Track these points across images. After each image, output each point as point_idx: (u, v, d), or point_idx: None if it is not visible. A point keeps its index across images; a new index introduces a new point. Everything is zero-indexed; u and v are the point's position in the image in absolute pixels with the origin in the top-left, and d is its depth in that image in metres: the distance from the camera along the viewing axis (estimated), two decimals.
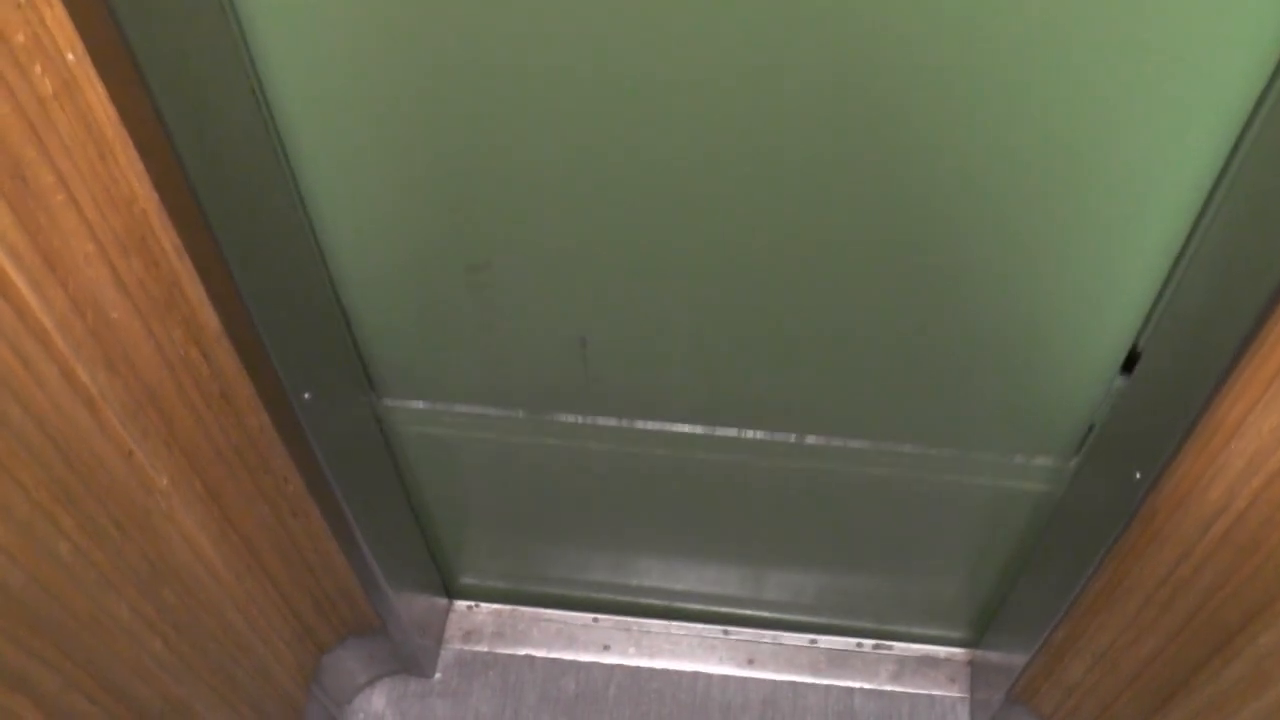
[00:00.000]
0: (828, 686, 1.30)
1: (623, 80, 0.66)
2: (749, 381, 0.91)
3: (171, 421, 0.74)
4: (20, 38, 0.53)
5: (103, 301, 0.64)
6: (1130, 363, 0.82)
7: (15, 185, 0.55)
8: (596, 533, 1.19)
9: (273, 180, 0.73)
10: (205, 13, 0.62)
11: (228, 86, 0.66)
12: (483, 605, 1.35)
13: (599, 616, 1.34)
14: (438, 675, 1.31)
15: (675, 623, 1.33)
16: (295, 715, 1.12)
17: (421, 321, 0.89)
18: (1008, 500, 1.01)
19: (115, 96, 0.60)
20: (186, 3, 0.60)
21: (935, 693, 1.29)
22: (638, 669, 1.31)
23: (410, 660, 1.26)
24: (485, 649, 1.33)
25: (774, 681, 1.30)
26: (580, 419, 0.98)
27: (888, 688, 1.29)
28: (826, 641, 1.32)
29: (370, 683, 1.29)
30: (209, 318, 0.75)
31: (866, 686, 1.30)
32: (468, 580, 1.33)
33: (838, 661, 1.31)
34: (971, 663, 1.30)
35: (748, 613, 1.31)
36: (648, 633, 1.33)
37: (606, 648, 1.32)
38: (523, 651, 1.32)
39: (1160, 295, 0.76)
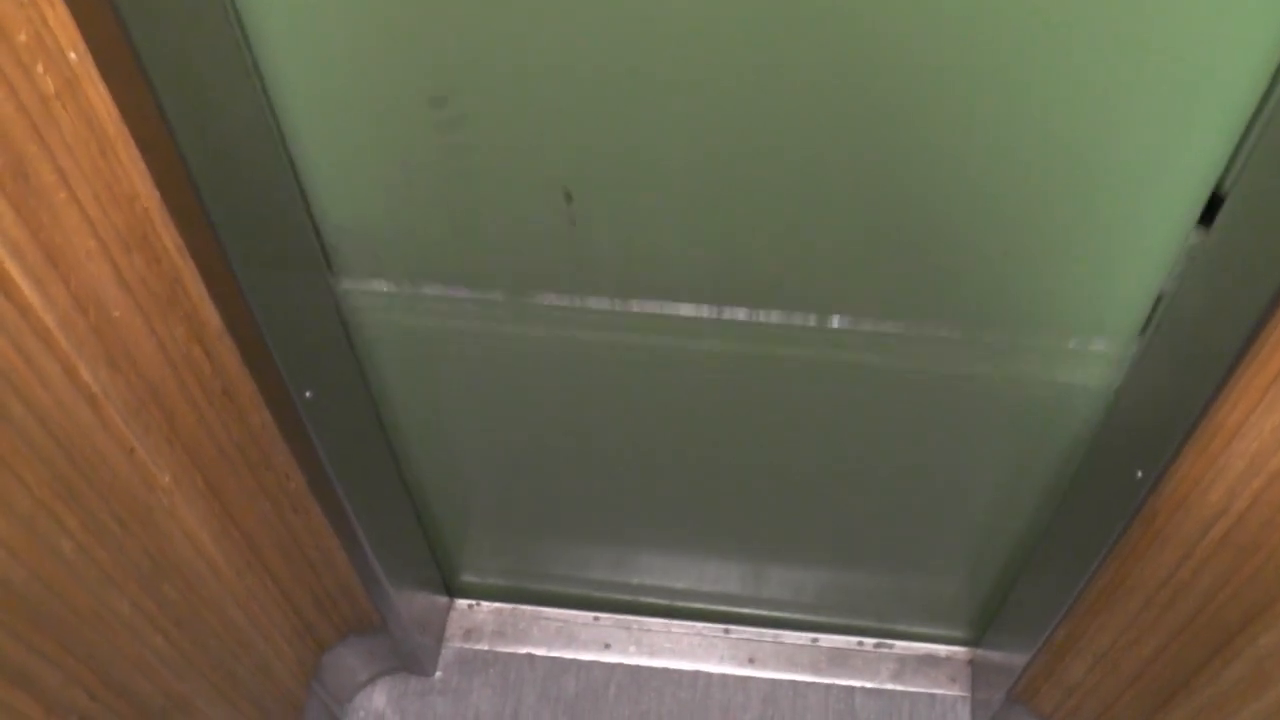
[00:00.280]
0: (828, 685, 1.30)
1: None
2: (764, 248, 0.77)
3: (173, 418, 0.75)
4: (22, 37, 0.53)
5: (105, 299, 0.64)
6: (1210, 211, 0.68)
7: (17, 183, 0.55)
8: (592, 468, 1.08)
9: (275, 177, 0.73)
10: (207, 10, 0.62)
11: (230, 83, 0.66)
12: (483, 604, 1.35)
13: (600, 615, 1.34)
14: (438, 673, 1.31)
15: (676, 621, 1.33)
16: (295, 712, 1.12)
17: (386, 179, 0.76)
18: (1057, 402, 0.86)
19: (117, 94, 0.60)
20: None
21: (936, 692, 1.29)
22: (638, 668, 1.31)
23: (411, 658, 1.26)
24: (486, 647, 1.33)
25: (774, 680, 1.30)
26: (568, 300, 0.84)
27: (888, 686, 1.29)
28: (827, 640, 1.32)
29: (371, 680, 1.29)
30: (211, 315, 0.75)
31: (867, 685, 1.30)
32: (468, 578, 1.33)
33: (838, 660, 1.31)
34: (972, 662, 1.30)
35: (748, 611, 1.31)
36: (648, 631, 1.33)
37: (607, 646, 1.32)
38: (523, 650, 1.32)
39: (1252, 122, 0.63)
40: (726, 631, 1.33)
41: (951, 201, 0.71)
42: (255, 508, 0.90)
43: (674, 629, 1.33)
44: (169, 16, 0.58)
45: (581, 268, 0.80)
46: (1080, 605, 0.96)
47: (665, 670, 1.31)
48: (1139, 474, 0.79)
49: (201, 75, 0.63)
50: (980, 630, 1.27)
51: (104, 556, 0.70)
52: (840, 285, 0.79)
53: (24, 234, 0.56)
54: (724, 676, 1.31)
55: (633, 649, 1.32)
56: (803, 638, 1.32)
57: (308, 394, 0.82)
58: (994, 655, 1.21)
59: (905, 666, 1.31)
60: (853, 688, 1.29)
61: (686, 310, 0.84)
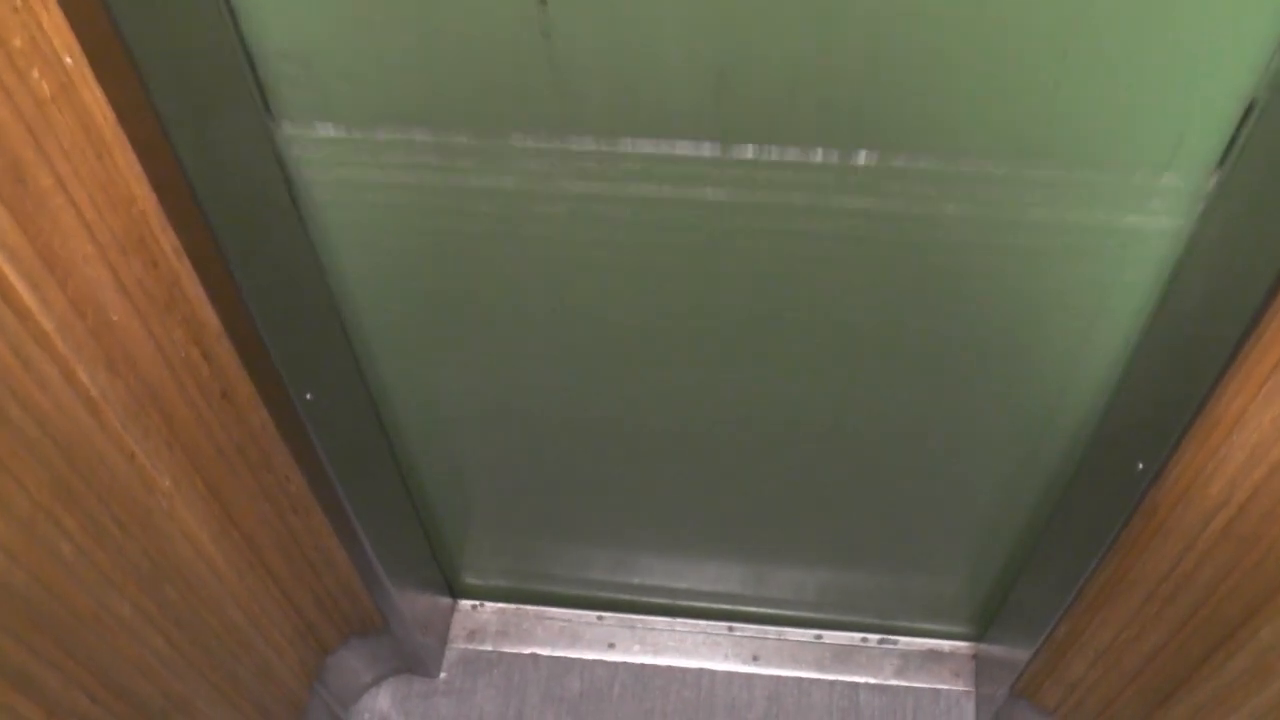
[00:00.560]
0: (832, 682, 1.30)
1: None
2: (776, 65, 0.63)
3: (173, 421, 0.75)
4: (18, 41, 0.53)
5: (103, 302, 0.64)
6: None
7: (14, 188, 0.55)
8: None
9: (270, 179, 0.73)
10: (203, 13, 0.62)
11: (225, 86, 0.66)
12: (487, 604, 1.36)
13: (603, 614, 1.34)
14: (442, 674, 1.31)
15: (679, 620, 1.33)
16: (298, 714, 1.12)
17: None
18: (1121, 250, 0.73)
19: (113, 98, 0.60)
20: (184, 3, 0.61)
21: (940, 687, 1.29)
22: (642, 666, 1.31)
23: (415, 659, 1.26)
24: (490, 648, 1.33)
25: (779, 678, 1.30)
26: (547, 144, 0.71)
27: (892, 682, 1.29)
28: (831, 637, 1.32)
29: (375, 682, 1.29)
30: (209, 317, 0.75)
31: (871, 681, 1.30)
32: (471, 579, 1.33)
33: (842, 657, 1.31)
34: (976, 657, 1.30)
35: (752, 609, 1.31)
36: (652, 630, 1.33)
37: (611, 646, 1.32)
38: (527, 650, 1.32)
39: None
40: (730, 629, 1.33)
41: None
42: (255, 509, 0.90)
43: (678, 627, 1.33)
44: (163, 19, 0.59)
45: (561, 96, 0.67)
46: (1082, 600, 0.96)
47: (669, 669, 1.31)
48: (1140, 466, 0.79)
49: (197, 77, 0.63)
50: (983, 625, 1.27)
51: (104, 559, 0.70)
52: (866, 108, 0.66)
53: (21, 238, 0.56)
54: (728, 674, 1.31)
55: (637, 648, 1.32)
56: (806, 635, 1.32)
57: (308, 395, 0.83)
58: (997, 650, 1.21)
59: (909, 662, 1.30)
60: (857, 684, 1.29)
61: (685, 149, 0.71)
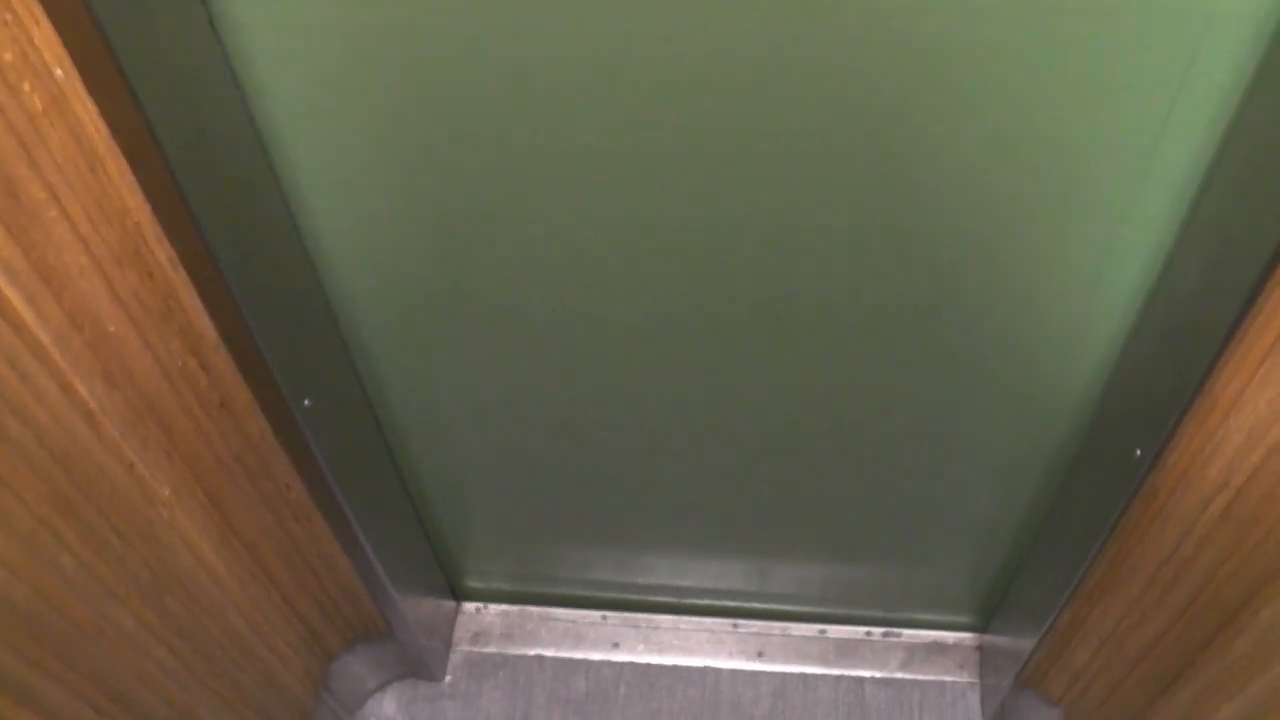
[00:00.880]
0: (838, 676, 1.30)
1: None
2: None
3: (171, 431, 0.75)
4: (8, 55, 0.53)
5: (99, 314, 0.64)
6: None
7: (7, 202, 0.55)
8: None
9: (263, 187, 0.74)
10: (191, 24, 0.62)
11: (216, 96, 0.66)
12: (490, 606, 1.36)
13: (607, 614, 1.34)
14: (447, 678, 1.31)
15: (683, 618, 1.33)
16: None
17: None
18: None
19: (105, 111, 0.60)
20: (172, 16, 0.61)
21: (945, 679, 1.29)
22: (648, 665, 1.31)
23: (419, 664, 1.26)
24: (494, 650, 1.33)
25: (784, 674, 1.30)
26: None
27: (898, 675, 1.30)
28: (835, 631, 1.32)
29: (380, 687, 1.29)
30: (206, 327, 0.75)
31: (876, 675, 1.30)
32: (474, 581, 1.33)
33: (847, 651, 1.31)
34: (980, 648, 1.30)
35: (756, 605, 1.31)
36: (656, 629, 1.33)
37: (616, 645, 1.32)
38: (532, 651, 1.33)
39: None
40: (735, 626, 1.33)
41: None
42: (256, 517, 0.90)
43: (682, 625, 1.33)
44: (151, 30, 0.59)
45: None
46: (1084, 587, 0.96)
47: (675, 667, 1.31)
48: (1138, 453, 0.80)
49: (186, 87, 0.63)
50: (987, 616, 1.27)
51: (105, 571, 0.70)
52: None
53: (16, 252, 0.56)
54: (734, 671, 1.31)
55: (641, 647, 1.32)
56: (810, 630, 1.32)
57: (306, 402, 0.83)
58: (1001, 641, 1.22)
59: (914, 655, 1.31)
60: (862, 678, 1.30)
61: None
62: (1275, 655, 0.76)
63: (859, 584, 1.25)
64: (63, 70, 0.57)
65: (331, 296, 0.86)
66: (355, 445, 0.96)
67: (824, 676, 1.30)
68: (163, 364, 0.72)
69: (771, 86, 0.66)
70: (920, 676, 1.29)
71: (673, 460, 1.05)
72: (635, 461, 1.05)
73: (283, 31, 0.65)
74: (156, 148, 0.61)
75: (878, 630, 1.32)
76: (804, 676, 1.30)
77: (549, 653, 1.32)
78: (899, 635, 1.32)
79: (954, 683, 1.29)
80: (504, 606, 1.35)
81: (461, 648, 1.33)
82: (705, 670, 1.31)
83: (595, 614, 1.34)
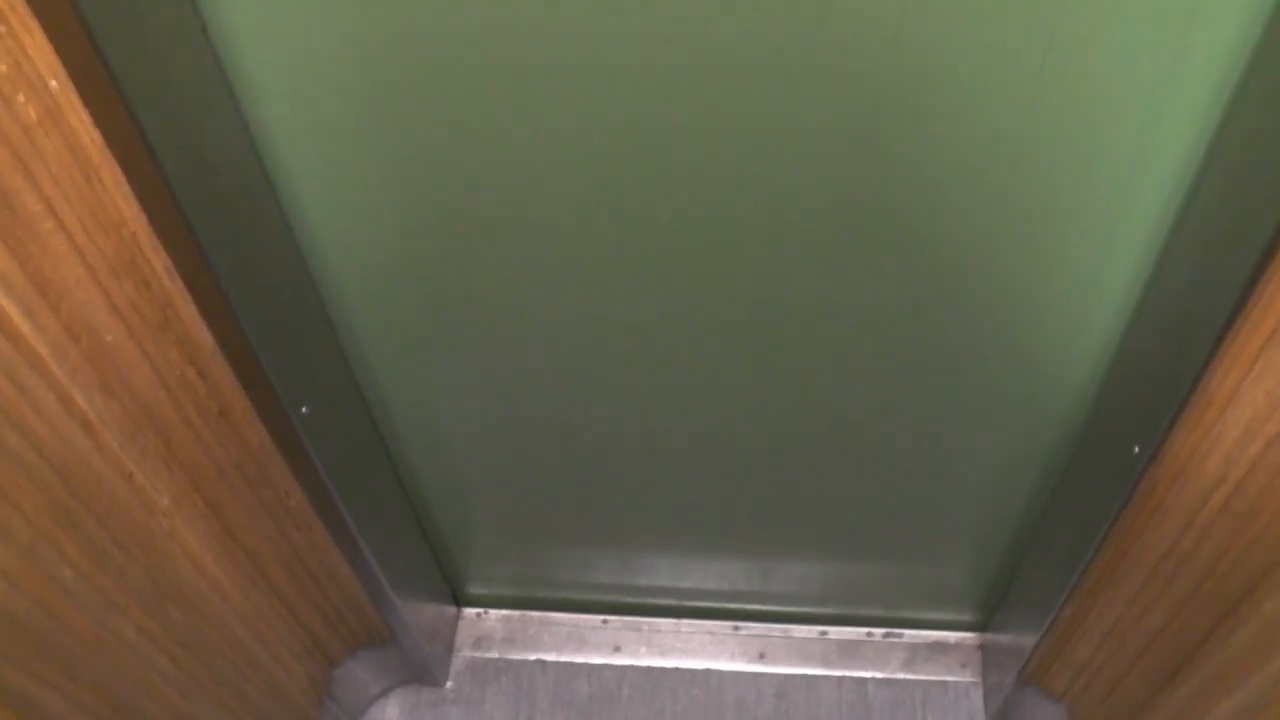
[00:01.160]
0: (840, 677, 1.30)
1: None
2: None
3: (170, 441, 0.75)
4: (2, 67, 0.53)
5: (96, 325, 0.64)
6: None
7: (3, 214, 0.55)
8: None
9: (259, 195, 0.74)
10: (185, 34, 0.62)
11: (210, 105, 0.66)
12: (492, 611, 1.36)
13: (608, 618, 1.34)
14: (450, 683, 1.31)
15: (685, 621, 1.33)
16: None
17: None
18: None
19: (99, 121, 0.60)
20: (165, 25, 0.61)
21: (947, 678, 1.29)
22: (650, 669, 1.31)
23: (422, 669, 1.26)
24: (496, 655, 1.33)
25: (786, 675, 1.30)
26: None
27: (900, 676, 1.30)
28: (837, 632, 1.32)
29: (383, 693, 1.29)
30: (203, 336, 0.75)
31: (879, 676, 1.30)
32: (476, 587, 1.33)
33: (849, 652, 1.31)
34: (982, 647, 1.30)
35: (757, 607, 1.31)
36: (658, 632, 1.33)
37: (617, 649, 1.32)
38: (534, 656, 1.32)
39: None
40: (736, 629, 1.33)
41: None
42: (257, 526, 0.90)
43: (683, 628, 1.33)
44: (145, 40, 0.59)
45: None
46: (1085, 583, 0.96)
47: (677, 670, 1.31)
48: (1136, 449, 0.80)
49: (180, 96, 0.63)
50: (988, 615, 1.28)
51: (106, 582, 0.70)
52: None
53: (12, 264, 0.56)
54: (736, 674, 1.31)
55: (643, 650, 1.32)
56: (812, 631, 1.32)
57: (304, 409, 0.83)
58: (1003, 639, 1.22)
59: (915, 655, 1.31)
60: (864, 678, 1.30)
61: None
62: (1276, 648, 0.76)
63: (860, 585, 1.25)
64: (57, 81, 0.57)
65: (328, 303, 0.86)
66: (354, 451, 0.96)
67: (826, 677, 1.30)
68: (160, 373, 0.72)
69: (768, 87, 0.66)
70: (922, 676, 1.29)
71: (672, 463, 1.05)
72: (635, 465, 1.05)
73: (277, 40, 0.65)
74: (152, 157, 0.61)
75: (879, 631, 1.32)
76: (806, 677, 1.30)
77: (551, 657, 1.32)
78: (900, 635, 1.32)
79: (956, 682, 1.29)
80: (505, 611, 1.35)
81: (463, 653, 1.33)
82: (708, 672, 1.31)
83: (596, 618, 1.34)
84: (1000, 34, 0.62)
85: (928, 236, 0.76)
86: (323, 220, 0.78)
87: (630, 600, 1.32)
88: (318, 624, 1.09)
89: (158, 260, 0.69)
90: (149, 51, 0.59)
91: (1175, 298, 0.74)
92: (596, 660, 1.32)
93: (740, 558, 1.23)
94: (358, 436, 0.97)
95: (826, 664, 1.31)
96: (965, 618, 1.29)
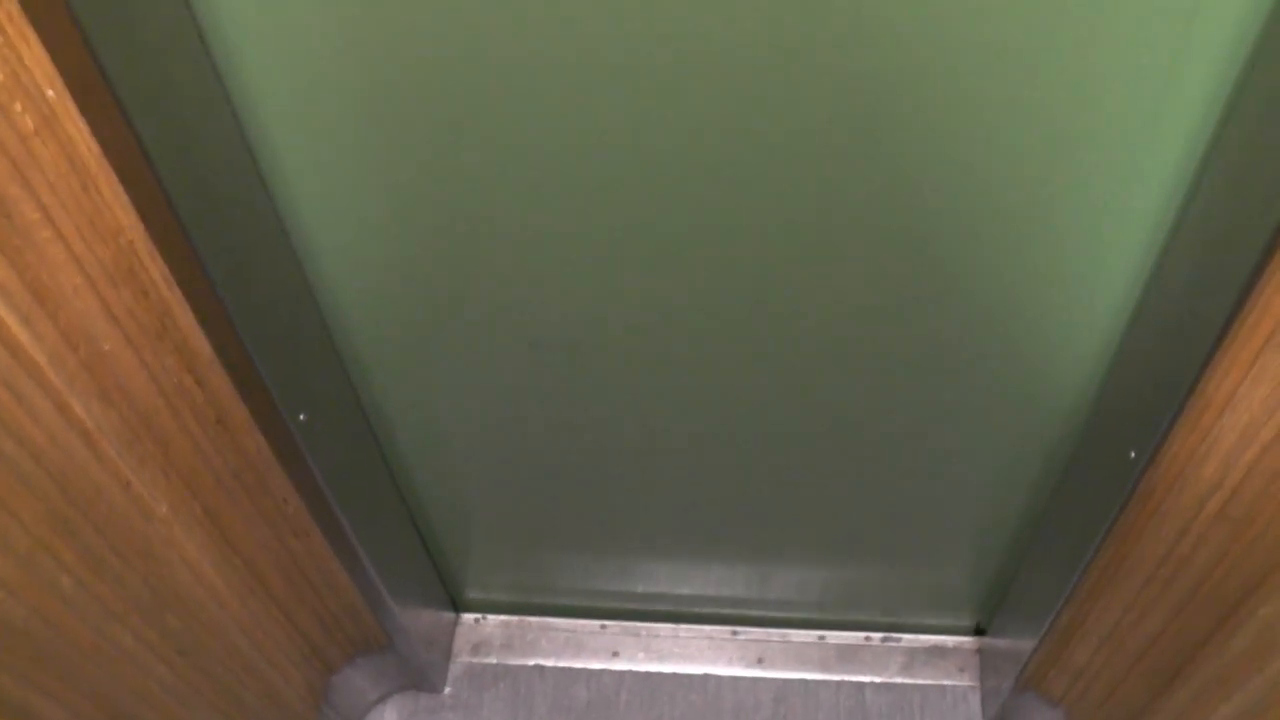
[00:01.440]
0: (839, 682, 1.30)
1: None
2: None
3: (168, 449, 0.75)
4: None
5: (94, 333, 0.64)
6: None
7: (1, 223, 0.55)
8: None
9: (256, 203, 0.74)
10: (181, 42, 0.62)
11: (207, 113, 0.66)
12: (490, 617, 1.35)
13: (606, 623, 1.34)
14: (448, 689, 1.31)
15: (683, 625, 1.33)
16: None
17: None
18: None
19: (97, 129, 0.60)
20: (162, 33, 0.61)
21: (946, 683, 1.29)
22: (648, 674, 1.31)
23: (420, 675, 1.26)
24: (494, 661, 1.33)
25: (785, 680, 1.30)
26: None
27: (898, 680, 1.30)
28: (835, 637, 1.32)
29: (381, 700, 1.29)
30: (201, 344, 0.75)
31: (877, 680, 1.30)
32: (474, 593, 1.33)
33: (847, 656, 1.31)
34: (980, 651, 1.31)
35: (755, 612, 1.31)
36: (656, 637, 1.33)
37: (616, 654, 1.32)
38: (532, 661, 1.32)
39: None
40: (734, 633, 1.33)
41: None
42: (255, 533, 0.90)
43: (681, 633, 1.33)
44: (141, 47, 0.59)
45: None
46: (1082, 588, 0.96)
47: (675, 675, 1.31)
48: (1133, 454, 0.80)
49: (177, 104, 0.63)
50: (986, 619, 1.28)
51: (104, 590, 0.70)
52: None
53: (10, 273, 0.56)
54: (734, 678, 1.31)
55: (641, 655, 1.32)
56: (810, 636, 1.32)
57: (302, 417, 0.83)
58: (1001, 643, 1.22)
59: (914, 659, 1.31)
60: (863, 683, 1.30)
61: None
62: (1273, 652, 0.76)
63: (858, 589, 1.25)
64: (54, 90, 0.57)
65: (326, 310, 0.86)
66: (352, 459, 0.96)
67: (824, 682, 1.30)
68: (158, 381, 0.72)
69: (765, 87, 0.66)
70: (921, 680, 1.29)
71: (670, 467, 1.05)
72: (633, 469, 1.05)
73: (274, 48, 0.65)
74: (149, 165, 0.61)
75: (877, 635, 1.32)
76: (804, 682, 1.30)
77: (549, 662, 1.32)
78: (898, 640, 1.32)
79: (955, 686, 1.29)
80: (503, 617, 1.35)
81: (461, 659, 1.33)
82: (706, 677, 1.31)
83: (594, 623, 1.34)
84: (999, 33, 0.62)
85: (926, 238, 0.76)
86: (320, 227, 0.78)
87: (628, 605, 1.32)
88: (316, 631, 1.09)
89: (155, 268, 0.69)
90: (146, 60, 0.59)
91: (1174, 300, 0.74)
92: (595, 665, 1.32)
93: (738, 562, 1.23)
94: (355, 443, 0.97)
95: (825, 668, 1.31)
96: (963, 622, 1.29)
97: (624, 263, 0.80)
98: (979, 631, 1.31)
